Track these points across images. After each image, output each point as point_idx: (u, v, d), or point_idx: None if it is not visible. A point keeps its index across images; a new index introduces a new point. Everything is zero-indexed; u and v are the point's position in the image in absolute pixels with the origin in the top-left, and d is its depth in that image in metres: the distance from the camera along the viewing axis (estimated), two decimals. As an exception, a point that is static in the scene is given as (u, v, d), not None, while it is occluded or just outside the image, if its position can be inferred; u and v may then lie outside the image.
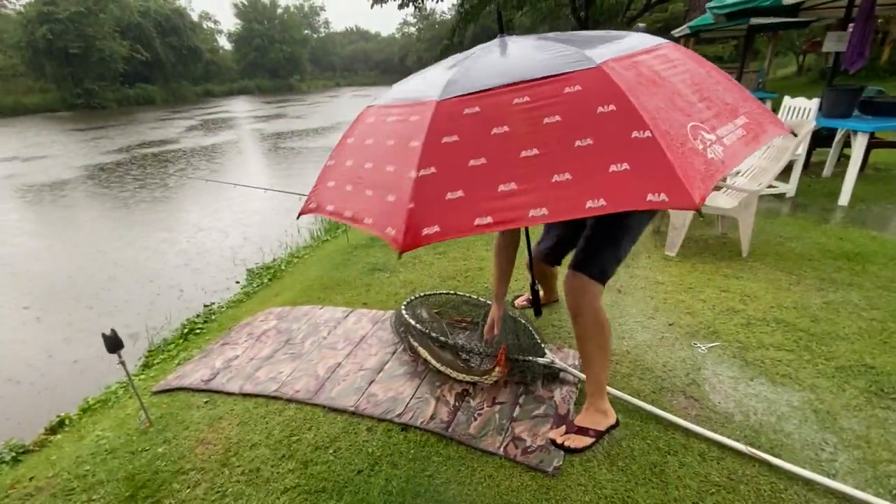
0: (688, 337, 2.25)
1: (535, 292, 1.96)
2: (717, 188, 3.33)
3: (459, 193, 1.08)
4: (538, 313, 1.99)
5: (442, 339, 2.13)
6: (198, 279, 4.70)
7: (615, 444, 1.65)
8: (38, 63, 31.67)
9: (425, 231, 1.09)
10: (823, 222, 3.61)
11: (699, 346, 2.16)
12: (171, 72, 41.14)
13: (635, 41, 1.31)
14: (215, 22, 57.45)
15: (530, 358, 1.93)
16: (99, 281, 4.83)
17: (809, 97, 4.52)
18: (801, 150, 4.16)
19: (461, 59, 1.40)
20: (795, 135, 1.54)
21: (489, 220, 1.05)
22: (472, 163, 1.09)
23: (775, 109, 5.57)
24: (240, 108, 30.32)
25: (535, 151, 1.06)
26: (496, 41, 1.42)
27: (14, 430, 2.53)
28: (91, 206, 8.26)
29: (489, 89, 1.16)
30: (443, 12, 53.49)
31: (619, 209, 1.00)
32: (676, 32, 9.36)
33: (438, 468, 1.61)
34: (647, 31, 17.52)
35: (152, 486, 1.66)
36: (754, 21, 7.05)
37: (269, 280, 4.03)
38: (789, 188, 4.20)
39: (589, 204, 1.01)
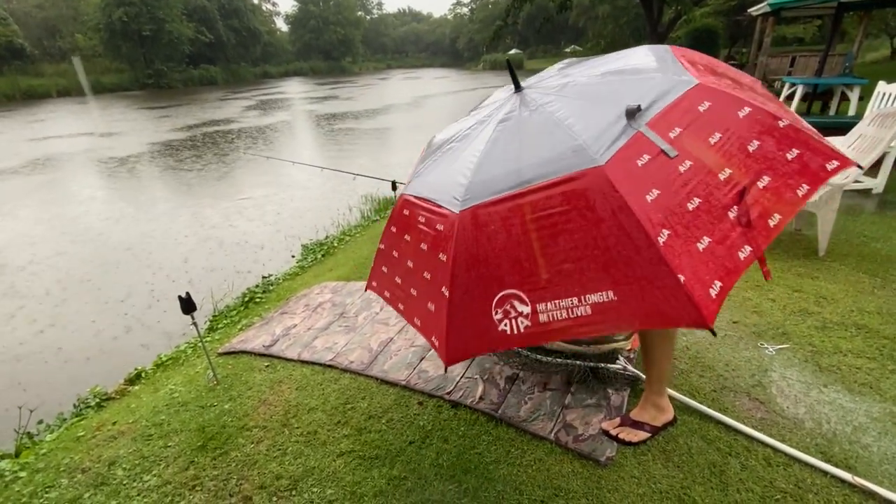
0: (754, 337, 2.12)
1: None
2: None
3: (386, 269, 1.32)
4: None
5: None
6: (255, 251, 4.95)
7: (671, 439, 1.60)
8: (115, 44, 33.99)
9: (373, 283, 1.41)
10: (916, 223, 3.27)
11: (767, 347, 2.04)
12: (232, 53, 42.96)
13: (552, 165, 1.08)
14: (273, 4, 59.06)
15: (602, 365, 1.87)
16: (161, 251, 5.20)
17: (909, 83, 4.07)
18: None
19: (485, 123, 1.35)
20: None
21: (388, 294, 1.40)
22: (393, 252, 1.31)
23: (866, 96, 5.06)
24: (294, 89, 31.24)
25: (411, 265, 1.28)
26: (510, 105, 1.33)
27: (98, 379, 2.80)
28: (158, 179, 8.84)
29: (418, 198, 1.31)
30: (497, -8, 52.15)
31: (423, 335, 1.27)
32: (755, 10, 8.62)
33: (488, 447, 1.63)
34: (717, 12, 16.24)
35: (220, 439, 1.79)
36: (845, -2, 6.39)
37: (323, 256, 4.18)
38: (877, 183, 3.82)
39: (415, 320, 1.29)
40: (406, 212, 1.38)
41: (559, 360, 1.85)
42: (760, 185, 1.03)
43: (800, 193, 1.05)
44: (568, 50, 33.34)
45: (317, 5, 54.71)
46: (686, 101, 1.11)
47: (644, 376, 1.82)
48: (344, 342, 2.28)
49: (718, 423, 1.65)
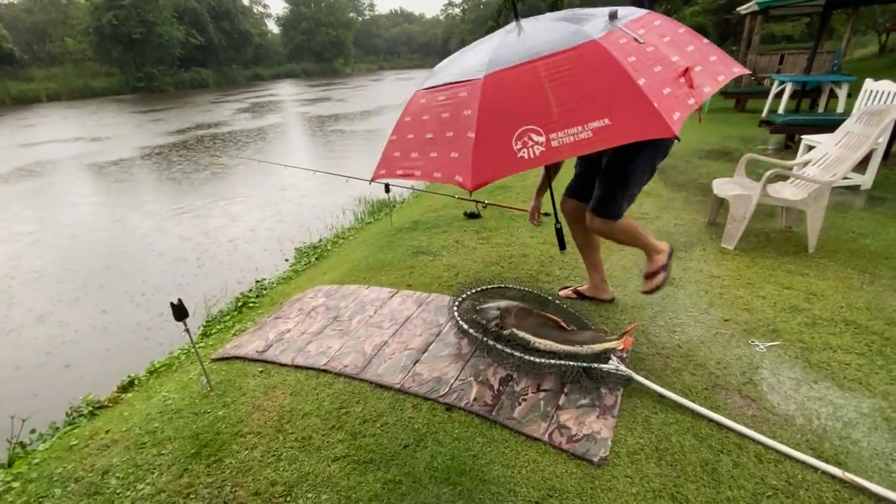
0: (745, 334, 2.14)
1: (558, 230, 2.25)
2: (784, 178, 3.13)
3: (398, 154, 1.59)
4: (562, 247, 2.27)
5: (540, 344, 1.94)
6: (249, 255, 4.93)
7: (664, 438, 1.61)
8: (105, 48, 33.70)
9: (380, 171, 1.59)
10: (904, 218, 3.31)
11: (757, 345, 2.06)
12: (223, 56, 42.70)
13: (555, 42, 1.50)
14: (264, 6, 58.63)
15: (595, 365, 1.87)
16: (153, 256, 5.16)
17: (895, 80, 4.12)
18: (883, 140, 3.81)
19: (487, 40, 1.77)
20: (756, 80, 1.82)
21: (401, 172, 1.62)
22: (408, 136, 1.59)
23: (854, 93, 5.11)
24: (286, 91, 31.12)
25: (431, 135, 1.56)
26: (513, 25, 1.73)
27: (90, 387, 2.78)
28: (150, 184, 8.78)
29: (435, 87, 1.62)
30: (489, -8, 52.10)
31: (444, 182, 1.48)
32: (744, 9, 8.70)
33: (483, 449, 1.64)
34: (706, 11, 16.38)
35: (214, 446, 1.78)
36: (833, -5, 6.45)
37: (316, 259, 4.17)
38: (865, 180, 3.88)
39: (434, 174, 1.53)
40: (423, 101, 1.71)
41: (552, 361, 1.86)
42: (696, 69, 1.53)
43: (719, 79, 1.58)
44: (560, 49, 33.31)
45: (308, 7, 54.48)
46: (645, 18, 1.67)
47: (636, 376, 1.84)
48: (338, 346, 2.27)
49: (711, 421, 1.66)
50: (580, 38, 1.46)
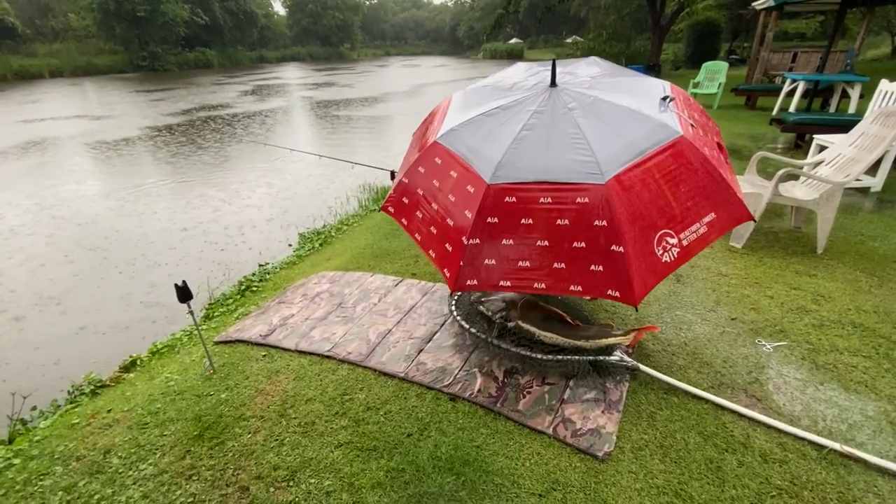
0: (751, 333, 2.13)
1: None
2: (795, 178, 3.09)
3: (493, 261, 1.53)
4: None
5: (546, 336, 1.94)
6: (251, 239, 4.90)
7: (669, 435, 1.61)
8: (109, 25, 33.24)
9: (468, 282, 1.55)
10: (914, 222, 3.28)
11: (764, 345, 2.05)
12: (228, 37, 42.17)
13: (653, 138, 1.50)
14: (271, -13, 57.74)
15: (602, 357, 1.86)
16: (157, 237, 5.14)
17: (911, 81, 4.05)
18: (896, 141, 3.75)
19: (514, 122, 1.63)
20: (755, 221, 1.83)
21: (508, 283, 1.53)
22: (503, 241, 1.51)
23: (867, 94, 5.04)
24: (291, 74, 30.82)
25: (546, 243, 1.49)
26: (544, 100, 1.67)
27: (91, 366, 2.78)
28: (152, 164, 8.73)
29: (525, 183, 1.49)
30: (498, -20, 51.30)
31: (588, 295, 1.53)
32: (758, 5, 8.56)
33: (486, 440, 1.63)
34: (719, 6, 16.14)
35: (217, 429, 1.78)
36: (851, -7, 6.33)
37: (320, 245, 4.14)
38: (875, 182, 3.83)
39: (571, 287, 1.49)
40: (510, 199, 1.51)
41: (559, 356, 1.85)
42: (718, 140, 1.75)
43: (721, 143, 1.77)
44: (569, 41, 32.93)
45: (315, -11, 53.67)
46: (675, 93, 1.73)
47: (642, 366, 1.83)
48: (342, 333, 2.26)
49: (719, 407, 1.66)
50: (670, 133, 1.50)
